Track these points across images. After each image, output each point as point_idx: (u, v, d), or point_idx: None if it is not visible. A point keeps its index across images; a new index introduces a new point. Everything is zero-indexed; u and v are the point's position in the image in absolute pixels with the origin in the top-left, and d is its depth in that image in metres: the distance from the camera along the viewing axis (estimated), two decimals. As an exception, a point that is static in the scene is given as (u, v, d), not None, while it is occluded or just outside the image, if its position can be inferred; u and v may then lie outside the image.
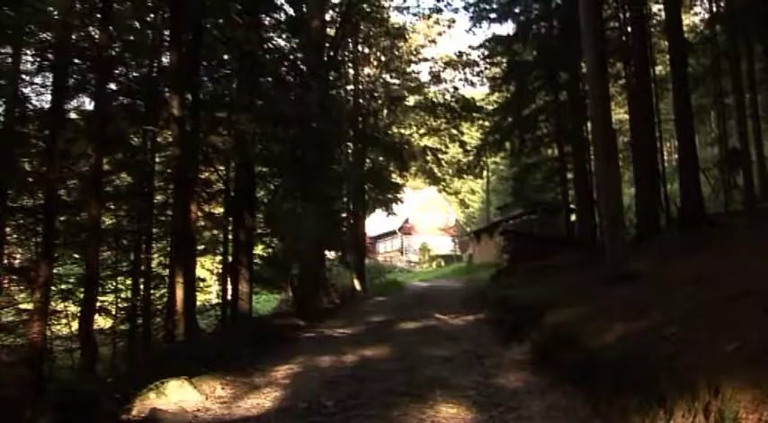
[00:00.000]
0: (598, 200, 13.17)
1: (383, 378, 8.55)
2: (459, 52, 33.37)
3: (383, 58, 34.52)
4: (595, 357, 7.02)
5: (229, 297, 18.76)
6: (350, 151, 32.15)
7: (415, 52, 34.79)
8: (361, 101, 33.20)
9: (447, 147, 38.17)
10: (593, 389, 6.67)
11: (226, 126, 16.13)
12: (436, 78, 35.42)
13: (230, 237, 19.64)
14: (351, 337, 12.79)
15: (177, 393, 7.60)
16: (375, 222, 56.62)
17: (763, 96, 26.26)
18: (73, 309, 15.33)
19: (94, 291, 13.03)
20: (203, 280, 26.52)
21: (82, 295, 13.62)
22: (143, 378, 8.37)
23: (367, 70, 34.25)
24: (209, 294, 26.53)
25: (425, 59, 35.13)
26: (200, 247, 26.00)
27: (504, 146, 32.57)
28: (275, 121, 15.97)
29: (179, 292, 13.57)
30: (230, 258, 19.38)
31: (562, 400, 6.89)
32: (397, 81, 35.56)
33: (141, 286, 17.70)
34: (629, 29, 20.79)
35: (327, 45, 25.57)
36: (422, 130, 36.98)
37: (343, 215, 30.91)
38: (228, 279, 19.13)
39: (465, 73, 36.19)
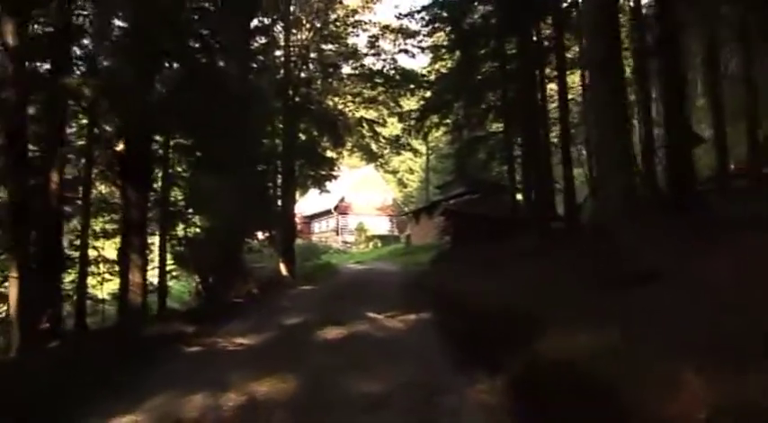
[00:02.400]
0: (597, 152, 9.49)
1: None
2: (399, 14, 29.39)
3: (317, 23, 30.41)
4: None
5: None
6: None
7: (351, 13, 30.68)
8: (292, 66, 29.13)
9: (385, 120, 34.47)
10: None
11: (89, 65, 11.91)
12: (373, 44, 31.47)
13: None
14: (249, 355, 8.98)
15: None
16: (310, 201, 52.76)
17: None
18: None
19: None
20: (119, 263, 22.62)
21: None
22: None
23: (299, 35, 30.13)
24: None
25: (362, 23, 31.05)
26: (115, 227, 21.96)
27: (447, 117, 29.09)
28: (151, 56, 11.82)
29: (12, 291, 9.50)
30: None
31: None
32: (332, 46, 31.46)
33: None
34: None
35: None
36: (358, 100, 33.04)
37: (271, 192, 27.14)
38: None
39: (405, 43, 32.41)
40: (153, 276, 19.29)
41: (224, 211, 17.76)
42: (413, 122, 30.68)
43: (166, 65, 15.08)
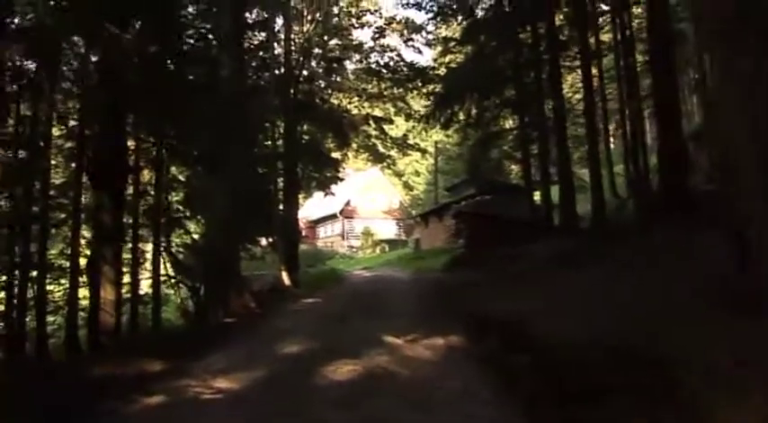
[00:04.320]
0: (726, 104, 6.15)
1: None
2: (406, 2, 26.67)
3: (319, 17, 27.78)
4: None
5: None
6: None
7: (355, 1, 28.09)
8: (294, 62, 26.45)
9: (392, 119, 31.89)
10: None
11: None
12: (380, 36, 28.85)
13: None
14: (228, 411, 6.22)
15: None
16: (315, 205, 50.14)
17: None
18: None
19: None
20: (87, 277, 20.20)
21: None
22: None
23: (301, 29, 27.46)
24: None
25: (368, 12, 28.49)
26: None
27: (458, 114, 26.36)
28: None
29: None
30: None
31: None
32: (335, 40, 28.84)
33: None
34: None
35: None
36: (364, 96, 30.43)
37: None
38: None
39: (411, 37, 29.90)
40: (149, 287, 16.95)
41: (219, 217, 15.30)
42: (431, 110, 27.42)
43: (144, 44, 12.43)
